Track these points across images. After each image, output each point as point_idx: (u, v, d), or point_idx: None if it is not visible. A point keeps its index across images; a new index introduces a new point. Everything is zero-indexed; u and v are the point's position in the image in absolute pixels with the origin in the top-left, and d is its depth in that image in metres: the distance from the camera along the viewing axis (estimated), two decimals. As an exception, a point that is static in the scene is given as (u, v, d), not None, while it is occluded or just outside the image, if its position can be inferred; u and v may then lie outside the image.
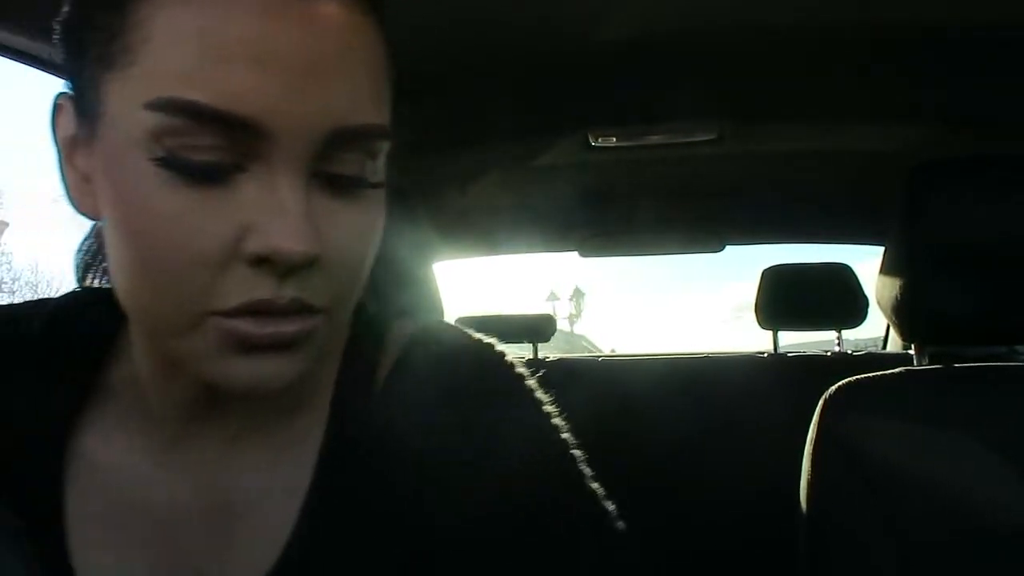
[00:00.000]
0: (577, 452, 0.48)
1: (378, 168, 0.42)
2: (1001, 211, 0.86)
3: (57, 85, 0.43)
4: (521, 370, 0.49)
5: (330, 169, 0.39)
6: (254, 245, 0.36)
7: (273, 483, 0.46)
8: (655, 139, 1.40)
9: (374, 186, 0.41)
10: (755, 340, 2.08)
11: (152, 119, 0.36)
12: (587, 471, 0.48)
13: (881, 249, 0.94)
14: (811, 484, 0.87)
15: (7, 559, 0.28)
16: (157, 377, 0.46)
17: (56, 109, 0.43)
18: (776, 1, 0.89)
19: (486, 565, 0.43)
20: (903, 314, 0.89)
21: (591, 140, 1.39)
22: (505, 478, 0.44)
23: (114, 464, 0.46)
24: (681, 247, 2.23)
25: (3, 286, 14.95)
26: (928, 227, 0.88)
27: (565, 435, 0.48)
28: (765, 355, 1.95)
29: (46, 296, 0.54)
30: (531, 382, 0.49)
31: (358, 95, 0.39)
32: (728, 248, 2.15)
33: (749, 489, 1.63)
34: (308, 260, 0.37)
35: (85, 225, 0.50)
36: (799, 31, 0.97)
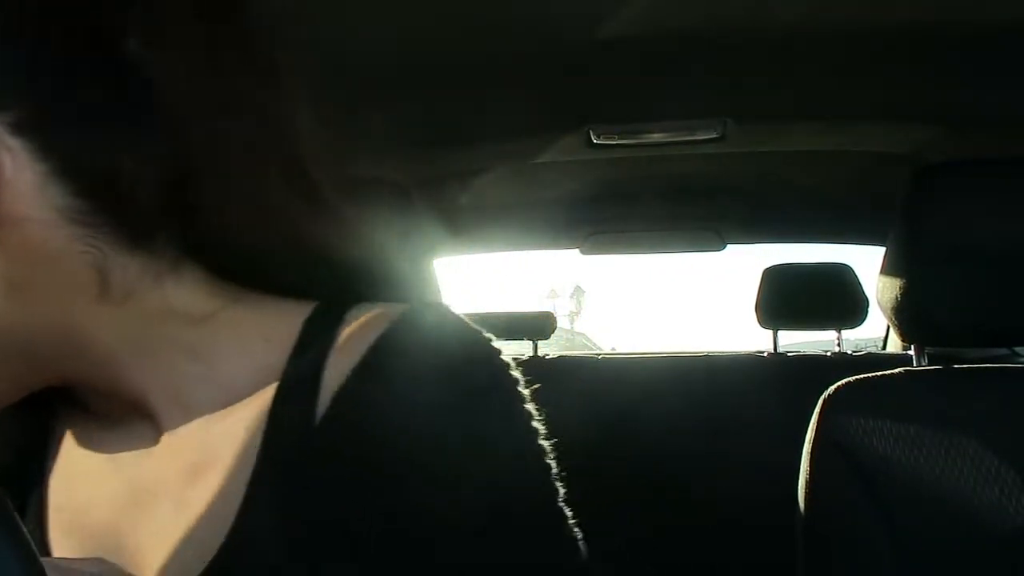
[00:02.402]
0: (552, 465, 0.47)
1: None
2: (1001, 213, 0.86)
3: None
4: (510, 366, 0.48)
5: None
6: None
7: (229, 455, 0.45)
8: (657, 137, 1.40)
9: None
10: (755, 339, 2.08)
11: None
12: (558, 488, 0.47)
13: (881, 249, 0.94)
14: (809, 484, 0.87)
15: (4, 552, 0.28)
16: None
17: None
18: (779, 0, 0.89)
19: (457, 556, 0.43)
20: (903, 315, 0.89)
21: (593, 138, 1.39)
22: (483, 474, 0.44)
23: (74, 454, 0.50)
24: (682, 246, 2.23)
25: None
26: (929, 228, 0.88)
27: (543, 443, 0.47)
28: (765, 354, 1.95)
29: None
30: (519, 380, 0.48)
31: None
32: (730, 247, 2.15)
33: (747, 487, 1.63)
34: None
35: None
36: (802, 30, 0.97)
